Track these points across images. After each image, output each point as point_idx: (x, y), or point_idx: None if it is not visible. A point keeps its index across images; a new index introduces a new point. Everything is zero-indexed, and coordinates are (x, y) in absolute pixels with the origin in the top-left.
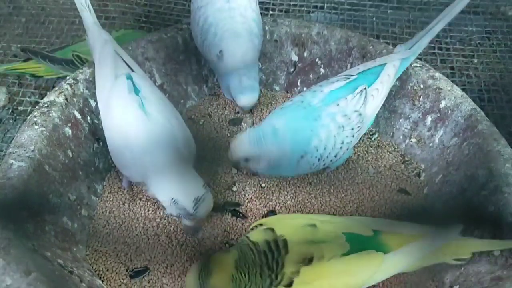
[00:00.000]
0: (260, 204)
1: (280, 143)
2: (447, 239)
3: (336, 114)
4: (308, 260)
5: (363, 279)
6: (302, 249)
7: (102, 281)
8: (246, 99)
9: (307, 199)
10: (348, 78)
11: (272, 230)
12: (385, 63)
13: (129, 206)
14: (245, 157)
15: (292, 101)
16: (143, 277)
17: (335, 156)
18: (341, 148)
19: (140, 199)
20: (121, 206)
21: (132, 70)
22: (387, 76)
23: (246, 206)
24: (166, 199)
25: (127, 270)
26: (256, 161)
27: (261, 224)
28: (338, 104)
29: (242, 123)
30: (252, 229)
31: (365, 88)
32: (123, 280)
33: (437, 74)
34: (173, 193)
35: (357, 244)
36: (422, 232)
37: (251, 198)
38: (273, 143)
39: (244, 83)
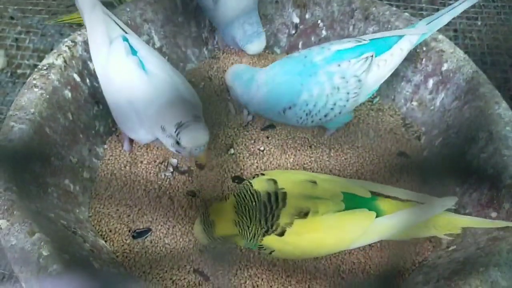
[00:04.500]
0: (259, 167)
1: (259, 89)
2: (441, 210)
3: (334, 74)
4: (304, 214)
5: (353, 235)
6: (299, 203)
7: (105, 241)
8: (255, 47)
9: (306, 163)
10: (359, 42)
11: (275, 181)
12: (402, 36)
13: (130, 169)
14: (228, 85)
15: (298, 53)
16: (146, 238)
17: (325, 116)
18: (332, 109)
19: (142, 162)
20: (122, 169)
21: (126, 32)
22: (400, 49)
23: (244, 170)
24: (158, 128)
25: (129, 231)
26: (234, 94)
27: (263, 174)
28: (339, 65)
29: None
30: (254, 177)
31: (371, 56)
32: (126, 240)
33: (440, 37)
34: (162, 120)
35: (353, 204)
36: (418, 200)
37: (250, 162)
38: (254, 88)
39: (248, 31)
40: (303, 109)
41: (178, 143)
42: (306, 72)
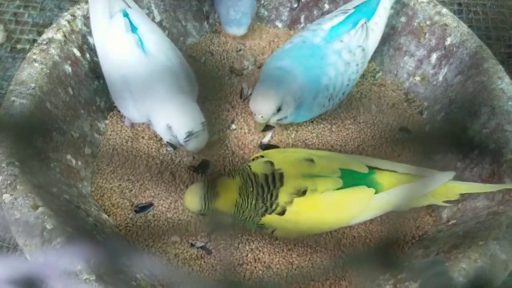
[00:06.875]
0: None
1: (295, 78)
2: (438, 184)
3: (341, 51)
4: (302, 192)
5: (352, 212)
6: (297, 182)
7: (108, 216)
8: (233, 31)
9: (308, 139)
10: (346, 13)
11: (272, 163)
12: None
13: (132, 144)
14: (277, 106)
15: (292, 43)
16: (148, 212)
17: (342, 94)
18: (347, 85)
19: (143, 137)
20: (124, 144)
21: (128, 6)
22: (384, 9)
23: (245, 146)
24: (162, 124)
25: (132, 206)
26: (289, 103)
27: (262, 156)
28: (341, 41)
29: (244, 61)
30: (253, 159)
31: (365, 23)
32: (129, 215)
33: (444, 10)
34: (170, 120)
35: (351, 180)
36: (416, 173)
37: (251, 137)
38: (290, 80)
39: (231, 15)
40: (325, 95)
41: (180, 144)
42: (317, 55)
